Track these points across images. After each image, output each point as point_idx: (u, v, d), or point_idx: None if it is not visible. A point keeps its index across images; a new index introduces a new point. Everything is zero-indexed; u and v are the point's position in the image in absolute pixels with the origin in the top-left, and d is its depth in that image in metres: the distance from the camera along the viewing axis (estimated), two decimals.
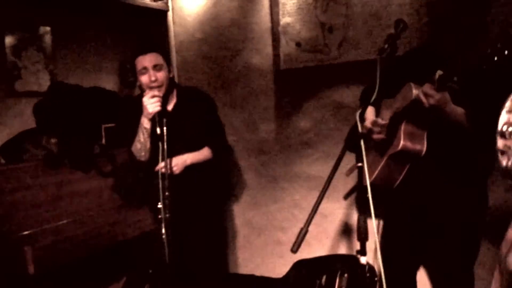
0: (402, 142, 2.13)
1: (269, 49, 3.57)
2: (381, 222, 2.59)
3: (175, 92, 2.84)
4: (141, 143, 2.69)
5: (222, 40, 3.75)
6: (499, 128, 1.18)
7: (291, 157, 3.63)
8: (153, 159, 2.64)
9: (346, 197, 2.71)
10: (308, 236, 3.43)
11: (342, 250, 3.46)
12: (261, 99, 3.67)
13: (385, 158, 2.24)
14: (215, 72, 3.82)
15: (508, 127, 1.18)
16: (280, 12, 3.45)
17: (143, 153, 2.73)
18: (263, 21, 3.57)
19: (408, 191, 2.29)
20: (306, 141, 3.54)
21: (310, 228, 3.44)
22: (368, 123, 2.34)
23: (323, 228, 3.50)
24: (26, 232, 2.71)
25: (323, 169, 3.39)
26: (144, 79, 2.65)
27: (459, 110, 2.03)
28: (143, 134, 2.65)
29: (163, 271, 2.57)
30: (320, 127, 3.47)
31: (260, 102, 3.69)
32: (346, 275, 3.11)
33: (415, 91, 2.08)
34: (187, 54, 3.88)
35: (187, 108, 2.81)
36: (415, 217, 2.32)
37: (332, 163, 1.82)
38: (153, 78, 2.62)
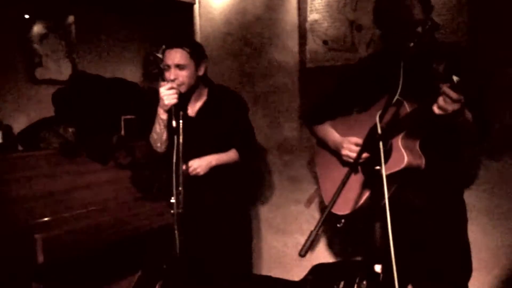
0: (406, 158, 2.00)
1: (295, 46, 3.49)
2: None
3: (206, 90, 2.78)
4: (157, 134, 2.65)
5: (248, 35, 3.70)
6: None
7: (313, 158, 3.54)
8: (171, 153, 2.59)
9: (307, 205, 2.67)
10: (328, 240, 3.41)
11: (361, 256, 3.36)
12: (285, 97, 3.60)
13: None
14: (239, 68, 3.77)
15: None
16: (308, 9, 3.36)
17: (159, 144, 2.69)
18: (290, 18, 3.50)
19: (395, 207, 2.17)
20: None
21: (330, 232, 3.40)
22: (341, 141, 2.27)
23: (341, 233, 3.40)
24: (38, 221, 2.71)
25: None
26: (167, 75, 2.61)
27: (469, 114, 1.94)
28: (159, 125, 2.61)
29: (177, 267, 2.53)
30: None
31: (284, 100, 3.61)
32: (364, 282, 3.02)
33: (408, 106, 1.97)
34: (212, 48, 3.83)
35: (217, 108, 2.76)
36: (403, 232, 2.20)
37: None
38: (172, 77, 2.56)
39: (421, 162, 2.05)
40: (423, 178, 2.11)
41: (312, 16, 3.35)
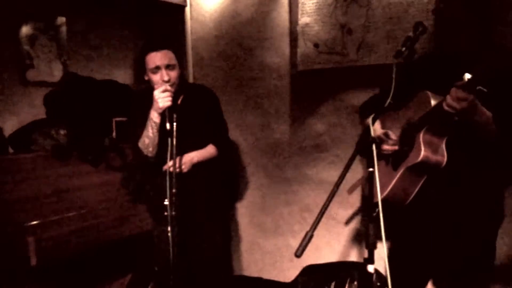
0: (423, 153, 2.02)
1: (286, 49, 3.51)
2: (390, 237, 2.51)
3: (182, 88, 2.78)
4: (149, 138, 2.63)
5: (239, 38, 3.71)
6: None
7: (304, 160, 3.56)
8: (162, 155, 2.59)
9: (349, 191, 2.64)
10: (319, 241, 3.43)
11: (353, 257, 3.38)
12: (276, 100, 3.62)
13: (400, 171, 2.14)
14: (230, 70, 3.77)
15: None
16: (299, 12, 3.38)
17: (150, 149, 2.67)
18: (281, 21, 3.51)
19: (420, 206, 2.18)
20: (320, 144, 3.46)
21: (322, 233, 3.42)
22: (379, 133, 2.26)
23: (335, 234, 3.43)
24: (30, 223, 2.68)
25: (337, 174, 3.28)
26: (155, 78, 2.58)
27: (487, 113, 1.92)
28: (152, 128, 2.59)
29: (168, 270, 2.52)
30: (335, 130, 3.39)
31: (275, 103, 3.63)
32: (355, 282, 3.05)
33: (433, 100, 1.99)
34: (203, 51, 3.84)
35: (193, 105, 2.76)
36: (426, 233, 2.21)
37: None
38: (166, 78, 2.56)
39: (442, 159, 2.05)
40: (454, 176, 2.10)
41: (303, 20, 3.37)
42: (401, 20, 3.02)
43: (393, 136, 2.23)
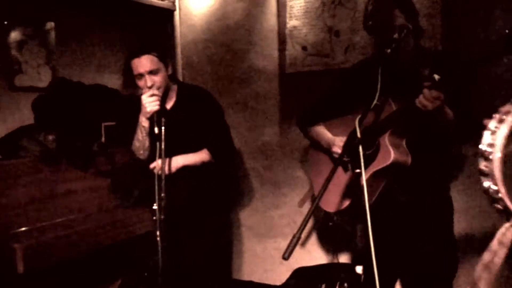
0: (393, 155, 2.06)
1: (275, 52, 3.52)
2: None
3: (175, 90, 2.78)
4: (139, 142, 2.64)
5: (228, 41, 3.72)
6: (482, 148, 1.15)
7: (293, 162, 3.57)
8: (152, 160, 2.59)
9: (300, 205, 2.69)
10: (309, 244, 3.43)
11: (344, 258, 3.38)
12: (266, 103, 3.62)
13: (369, 173, 2.14)
14: (219, 73, 3.78)
15: (490, 149, 1.15)
16: (287, 15, 3.40)
17: (141, 152, 2.69)
18: (270, 24, 3.53)
19: (382, 207, 2.19)
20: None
21: (312, 235, 3.42)
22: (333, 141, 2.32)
23: (324, 236, 3.43)
24: (18, 230, 2.66)
25: None
26: (141, 84, 2.60)
27: (450, 111, 1.99)
28: (141, 132, 2.60)
29: (159, 274, 2.51)
30: None
31: (264, 106, 3.63)
32: (345, 284, 3.05)
33: (394, 104, 2.03)
34: (193, 54, 3.85)
35: (187, 107, 2.74)
36: (390, 234, 2.23)
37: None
38: (149, 84, 2.56)
39: (408, 159, 2.09)
40: (410, 175, 2.14)
41: (291, 23, 3.39)
42: None
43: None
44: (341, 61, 3.24)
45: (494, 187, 1.16)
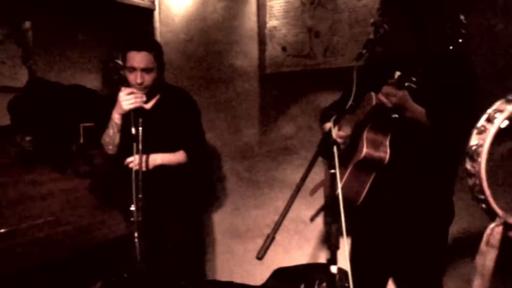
0: (365, 150, 2.08)
1: (255, 53, 3.53)
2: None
3: (159, 89, 2.77)
4: (109, 137, 2.63)
5: (208, 41, 3.71)
6: (468, 148, 1.15)
7: (273, 162, 3.58)
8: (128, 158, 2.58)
9: (311, 193, 2.66)
10: (288, 243, 3.44)
11: (323, 258, 3.40)
12: (246, 103, 3.63)
13: (349, 168, 2.18)
14: (199, 73, 3.77)
15: (476, 149, 1.16)
16: (267, 15, 3.40)
17: (110, 147, 2.69)
18: (250, 24, 3.53)
19: (372, 205, 2.21)
20: (290, 146, 3.48)
21: (292, 235, 3.43)
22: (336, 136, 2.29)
23: (304, 236, 3.44)
24: None
25: None
26: (130, 77, 2.59)
27: (420, 109, 1.99)
28: (113, 128, 2.59)
29: (138, 276, 2.50)
30: (303, 132, 3.42)
31: (244, 106, 3.64)
32: (324, 284, 3.06)
33: (375, 100, 2.04)
34: (172, 54, 3.82)
35: (168, 108, 2.74)
36: (382, 232, 2.24)
37: (314, 170, 1.77)
38: (139, 81, 2.56)
39: (385, 156, 2.08)
40: (400, 174, 2.13)
41: (271, 23, 3.39)
42: (367, 23, 3.05)
43: (344, 134, 2.27)
44: (321, 62, 3.25)
45: (478, 188, 1.17)
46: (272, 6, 3.37)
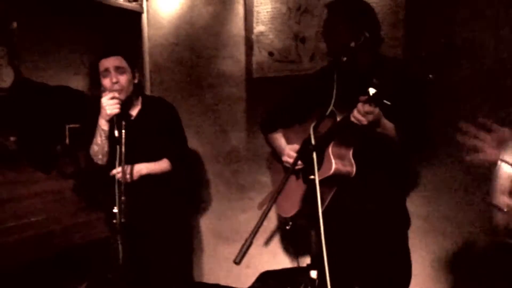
0: (334, 166, 2.10)
1: (242, 57, 3.54)
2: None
3: (140, 99, 2.80)
4: (98, 146, 2.62)
5: (196, 46, 3.72)
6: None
7: (261, 167, 3.58)
8: (113, 164, 2.57)
9: (259, 207, 2.72)
10: (275, 247, 3.45)
11: (306, 262, 3.40)
12: (233, 107, 3.64)
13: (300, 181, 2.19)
14: (187, 77, 3.78)
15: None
16: (254, 21, 3.42)
17: (100, 156, 2.66)
18: (237, 29, 3.54)
19: (334, 214, 2.22)
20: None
21: (278, 239, 3.44)
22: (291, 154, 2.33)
23: (290, 240, 3.45)
24: None
25: None
26: (106, 82, 2.61)
27: (389, 124, 2.03)
28: (101, 136, 2.58)
29: (122, 277, 2.50)
30: None
31: (231, 110, 3.65)
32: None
33: (338, 116, 2.07)
34: (160, 58, 3.84)
35: (150, 117, 2.77)
36: (345, 241, 2.26)
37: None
38: (114, 80, 2.58)
39: (351, 170, 2.12)
40: (359, 184, 2.17)
41: (258, 28, 3.41)
42: None
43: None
44: (307, 68, 3.27)
45: None
46: (259, 11, 3.39)
